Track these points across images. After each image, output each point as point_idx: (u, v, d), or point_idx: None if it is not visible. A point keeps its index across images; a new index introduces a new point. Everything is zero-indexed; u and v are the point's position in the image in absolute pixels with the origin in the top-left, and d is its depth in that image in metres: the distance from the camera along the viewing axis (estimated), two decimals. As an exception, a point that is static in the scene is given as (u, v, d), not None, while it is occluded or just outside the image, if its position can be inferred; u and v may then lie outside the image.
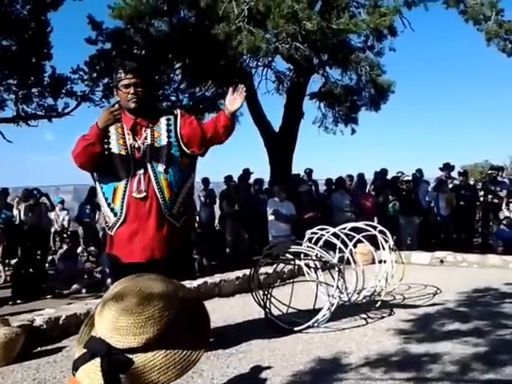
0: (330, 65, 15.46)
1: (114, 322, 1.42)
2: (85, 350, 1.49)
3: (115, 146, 4.62)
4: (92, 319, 1.55)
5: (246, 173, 15.42)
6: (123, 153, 4.61)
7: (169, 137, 4.71)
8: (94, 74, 14.64)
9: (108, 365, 1.41)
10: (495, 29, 12.72)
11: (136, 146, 4.64)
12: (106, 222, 4.73)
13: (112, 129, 4.63)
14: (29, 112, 14.60)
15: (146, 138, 4.67)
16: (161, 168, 4.64)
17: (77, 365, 1.49)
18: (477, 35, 13.31)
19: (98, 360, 1.43)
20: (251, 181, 15.47)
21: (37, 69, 13.94)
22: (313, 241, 6.87)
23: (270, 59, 15.69)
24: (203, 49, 13.13)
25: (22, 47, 13.32)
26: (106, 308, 1.46)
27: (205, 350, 1.50)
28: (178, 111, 4.93)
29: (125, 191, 4.57)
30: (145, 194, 4.57)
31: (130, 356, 1.42)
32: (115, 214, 4.61)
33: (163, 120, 4.76)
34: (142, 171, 4.60)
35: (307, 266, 6.77)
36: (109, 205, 4.64)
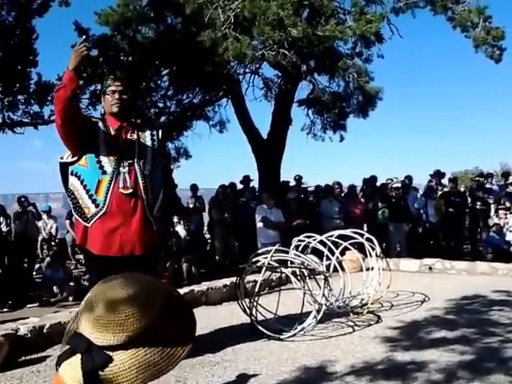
0: (317, 71, 15.47)
1: (95, 319, 1.42)
2: (68, 346, 1.50)
3: (102, 141, 4.69)
4: (78, 315, 1.54)
5: (247, 179, 15.57)
6: (110, 148, 4.69)
7: (153, 145, 4.91)
8: (81, 81, 14.54)
9: (87, 361, 1.41)
10: (483, 36, 12.69)
11: (122, 145, 4.75)
12: (83, 214, 4.68)
13: (101, 127, 4.74)
14: (15, 119, 14.47)
15: (132, 141, 4.81)
16: (146, 170, 4.77)
17: (60, 360, 1.49)
18: (465, 42, 13.30)
19: (79, 356, 1.43)
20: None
21: (22, 76, 13.81)
22: (300, 248, 6.86)
23: (257, 66, 15.69)
24: (190, 55, 13.11)
25: (8, 54, 13.20)
26: (89, 304, 1.46)
27: (188, 349, 1.48)
28: (161, 131, 5.13)
29: (109, 185, 4.61)
30: (131, 190, 4.65)
31: (110, 353, 1.41)
32: (97, 206, 4.62)
33: (147, 129, 5.00)
34: (127, 169, 4.68)
35: (294, 274, 6.73)
36: (91, 196, 4.64)
